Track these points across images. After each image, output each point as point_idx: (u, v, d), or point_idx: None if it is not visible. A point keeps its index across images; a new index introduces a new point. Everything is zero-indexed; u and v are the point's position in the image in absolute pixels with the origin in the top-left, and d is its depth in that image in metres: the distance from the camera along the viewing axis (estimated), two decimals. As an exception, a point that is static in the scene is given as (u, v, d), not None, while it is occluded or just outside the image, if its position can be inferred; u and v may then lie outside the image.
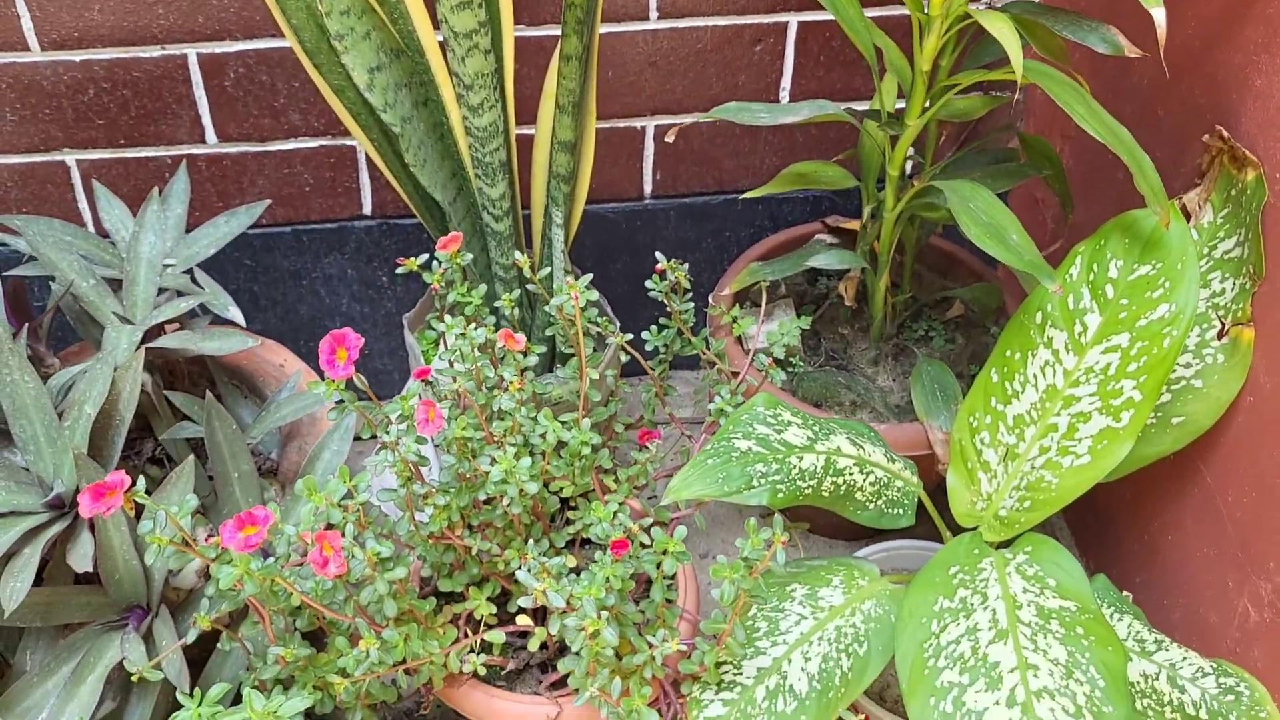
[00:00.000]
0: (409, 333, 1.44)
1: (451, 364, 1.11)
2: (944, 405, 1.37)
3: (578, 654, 1.07)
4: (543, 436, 1.06)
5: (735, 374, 1.39)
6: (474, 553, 1.11)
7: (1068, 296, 1.19)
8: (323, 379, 1.00)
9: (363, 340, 0.97)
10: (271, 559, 0.99)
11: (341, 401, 1.04)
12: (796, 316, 1.48)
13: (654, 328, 1.34)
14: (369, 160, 1.59)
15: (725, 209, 1.72)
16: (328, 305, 1.70)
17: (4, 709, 1.06)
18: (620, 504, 1.04)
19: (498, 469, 0.99)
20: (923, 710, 1.06)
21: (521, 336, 1.04)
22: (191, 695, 0.98)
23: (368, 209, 1.64)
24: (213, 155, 1.56)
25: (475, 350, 1.07)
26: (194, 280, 1.35)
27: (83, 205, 1.58)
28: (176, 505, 0.95)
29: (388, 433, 0.99)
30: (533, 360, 1.08)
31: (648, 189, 1.69)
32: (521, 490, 1.03)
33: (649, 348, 1.35)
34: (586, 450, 1.10)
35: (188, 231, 1.38)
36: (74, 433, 1.11)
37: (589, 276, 1.14)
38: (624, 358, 1.28)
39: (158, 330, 1.29)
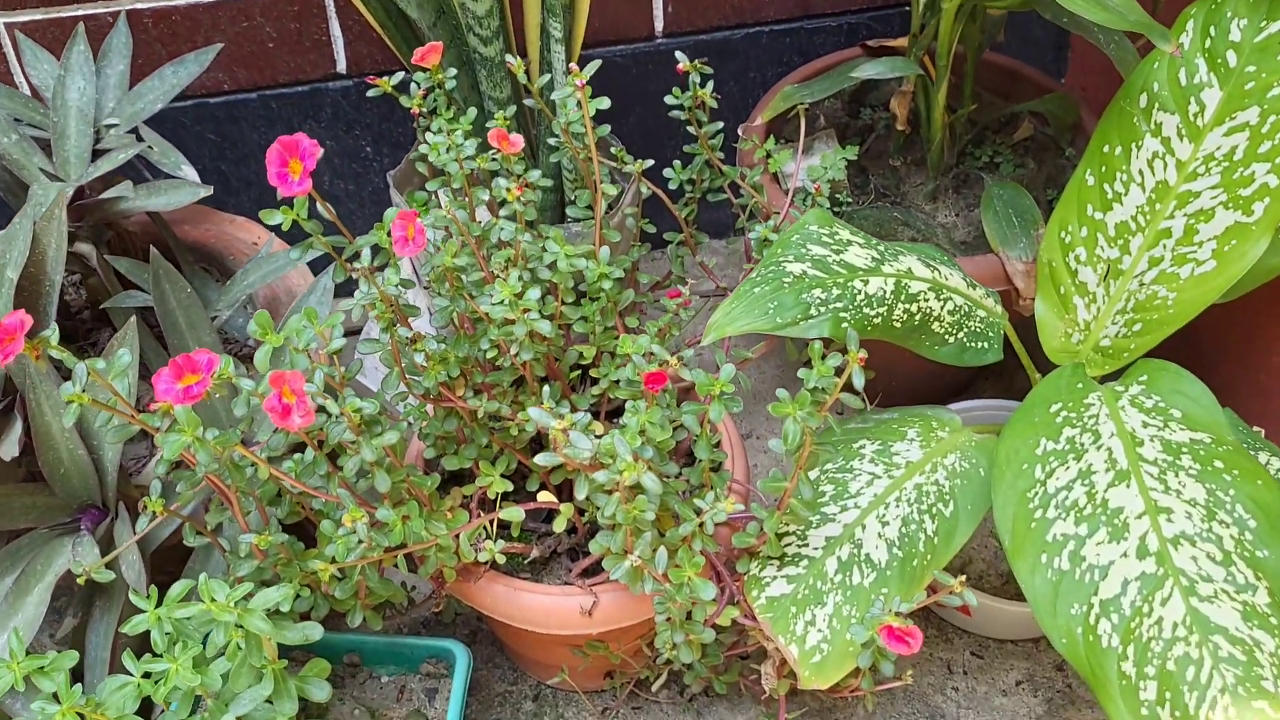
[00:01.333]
0: (396, 192, 1.25)
1: (432, 205, 0.92)
2: (1022, 231, 1.17)
3: (613, 527, 0.89)
4: (553, 267, 0.87)
5: (775, 214, 1.19)
6: (480, 417, 0.93)
7: (1178, 71, 0.98)
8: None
9: (320, 149, 0.78)
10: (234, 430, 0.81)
11: (306, 238, 0.85)
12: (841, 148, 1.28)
13: (677, 163, 1.15)
14: (339, 4, 1.38)
15: (749, 44, 1.50)
16: (307, 182, 1.51)
17: (-65, 629, 0.89)
18: (654, 340, 0.84)
19: (499, 297, 0.80)
20: (1033, 570, 0.88)
21: (518, 137, 0.85)
22: (149, 597, 0.81)
23: (342, 66, 1.44)
24: (159, 10, 1.36)
25: (465, 166, 0.88)
26: (141, 141, 1.16)
27: (19, 80, 1.39)
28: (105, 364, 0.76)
29: (359, 262, 0.80)
30: (535, 175, 0.88)
31: (659, 25, 1.48)
32: (532, 333, 0.84)
33: (673, 186, 1.15)
34: (607, 285, 0.91)
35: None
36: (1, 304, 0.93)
37: (596, 64, 0.94)
38: (644, 191, 1.09)
39: (98, 192, 1.10)
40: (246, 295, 1.08)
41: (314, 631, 0.81)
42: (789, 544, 0.98)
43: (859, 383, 0.76)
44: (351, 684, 1.06)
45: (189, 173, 1.11)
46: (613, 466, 0.76)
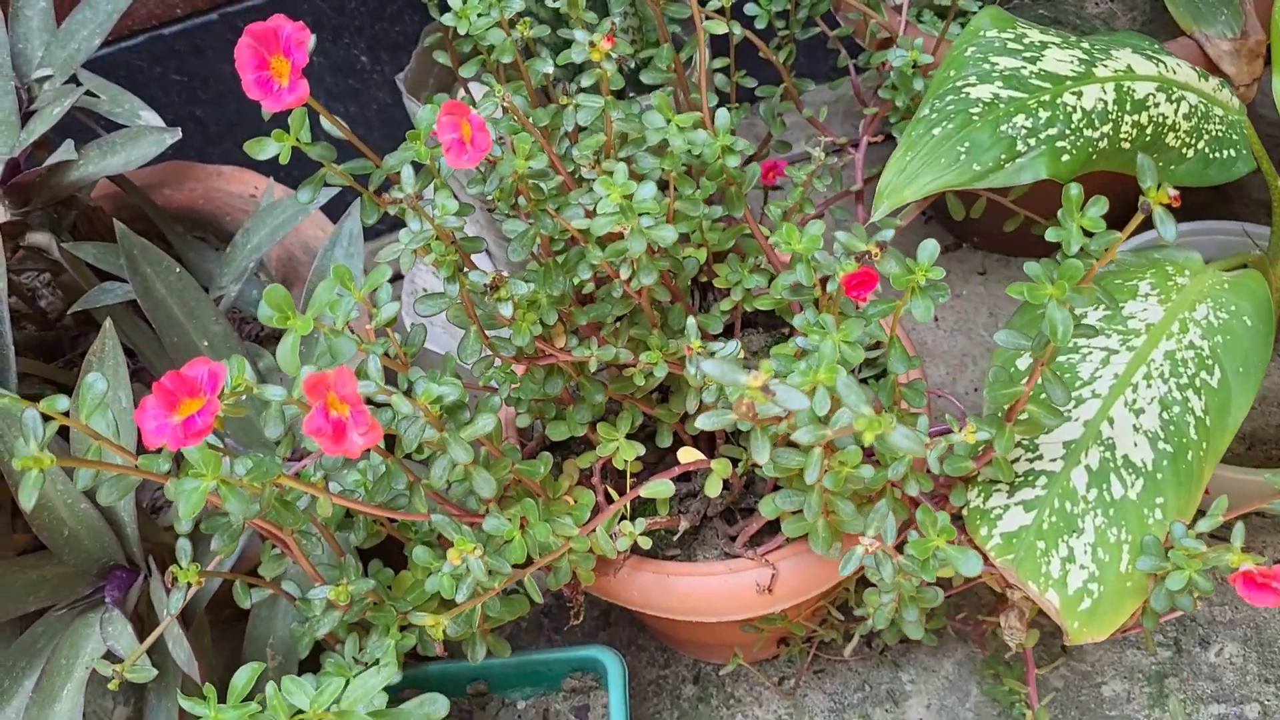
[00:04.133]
0: (411, 100, 0.99)
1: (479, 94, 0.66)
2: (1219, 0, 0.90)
3: (794, 480, 0.66)
4: (658, 150, 0.62)
5: (887, 41, 0.93)
6: (591, 371, 0.69)
7: None
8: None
9: (309, 33, 0.53)
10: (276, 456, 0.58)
11: (315, 171, 0.61)
12: (953, -60, 1.00)
13: (760, -7, 0.88)
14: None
15: None
16: (300, 112, 1.26)
17: (-54, 768, 0.69)
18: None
19: (608, 203, 0.55)
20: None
21: (588, -34, 0.59)
22: (205, 695, 0.59)
23: (313, -41, 1.17)
24: (78, -72, 1.09)
25: (510, 31, 0.62)
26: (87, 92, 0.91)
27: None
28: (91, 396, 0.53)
29: (400, 191, 0.55)
30: (617, 17, 0.63)
31: None
32: (650, 249, 0.60)
33: (760, 25, 0.89)
34: (732, 163, 0.66)
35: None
36: (-70, 335, 0.70)
37: None
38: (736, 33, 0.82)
39: (41, 164, 0.86)
40: (255, 260, 0.84)
41: (437, 709, 0.59)
42: (1014, 458, 0.75)
43: (1169, 234, 0.51)
44: (481, 718, 0.85)
45: (149, 117, 0.86)
46: (809, 411, 0.52)
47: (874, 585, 0.75)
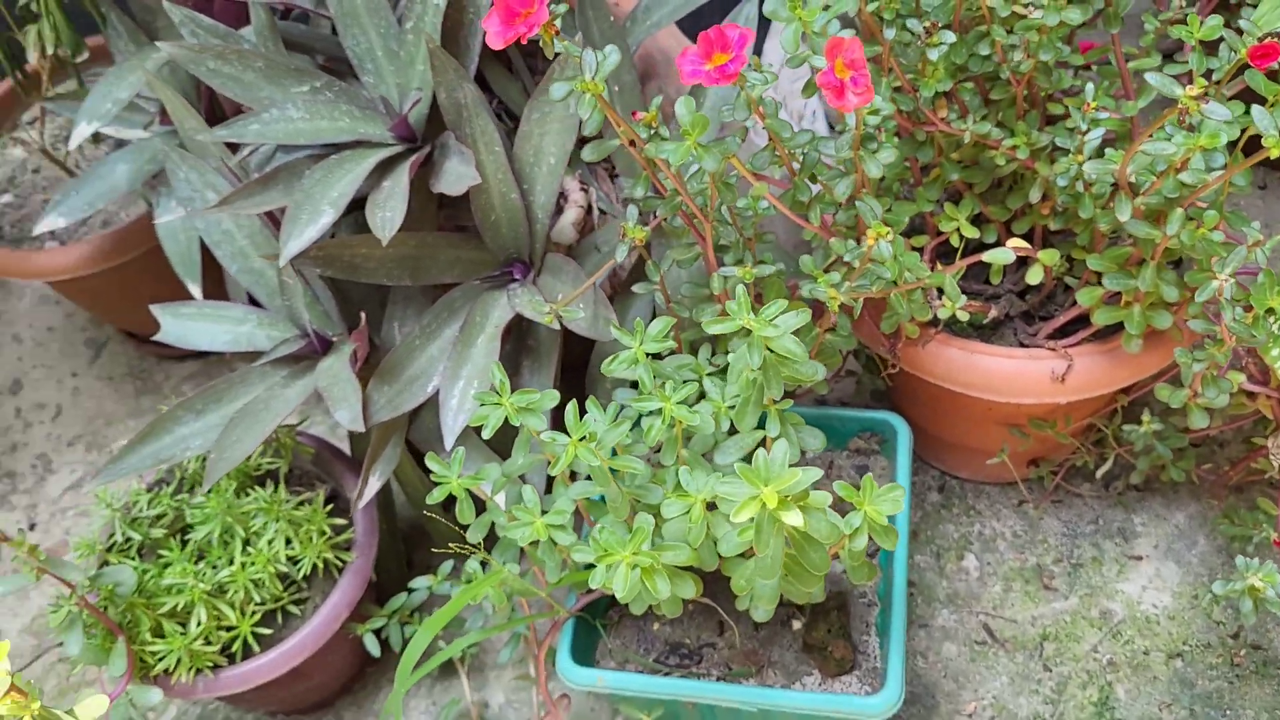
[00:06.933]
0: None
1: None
2: None
3: (1121, 270, 0.76)
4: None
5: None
6: (963, 145, 0.81)
7: None
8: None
9: None
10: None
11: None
12: None
13: None
14: None
15: None
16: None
17: (386, 376, 0.86)
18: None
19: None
20: None
21: None
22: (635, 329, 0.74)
23: None
24: None
25: None
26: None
27: None
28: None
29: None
30: None
31: None
32: (1057, 26, 0.70)
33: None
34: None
35: None
36: (419, 36, 0.86)
37: None
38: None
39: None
40: (652, 34, 0.98)
41: (818, 370, 0.72)
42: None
43: None
44: (774, 458, 0.98)
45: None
46: (1194, 170, 0.62)
47: (1172, 385, 0.85)
